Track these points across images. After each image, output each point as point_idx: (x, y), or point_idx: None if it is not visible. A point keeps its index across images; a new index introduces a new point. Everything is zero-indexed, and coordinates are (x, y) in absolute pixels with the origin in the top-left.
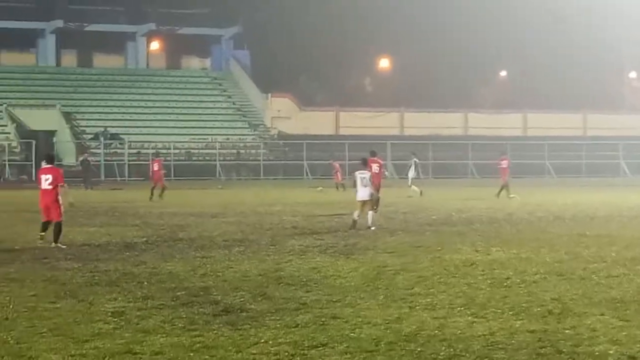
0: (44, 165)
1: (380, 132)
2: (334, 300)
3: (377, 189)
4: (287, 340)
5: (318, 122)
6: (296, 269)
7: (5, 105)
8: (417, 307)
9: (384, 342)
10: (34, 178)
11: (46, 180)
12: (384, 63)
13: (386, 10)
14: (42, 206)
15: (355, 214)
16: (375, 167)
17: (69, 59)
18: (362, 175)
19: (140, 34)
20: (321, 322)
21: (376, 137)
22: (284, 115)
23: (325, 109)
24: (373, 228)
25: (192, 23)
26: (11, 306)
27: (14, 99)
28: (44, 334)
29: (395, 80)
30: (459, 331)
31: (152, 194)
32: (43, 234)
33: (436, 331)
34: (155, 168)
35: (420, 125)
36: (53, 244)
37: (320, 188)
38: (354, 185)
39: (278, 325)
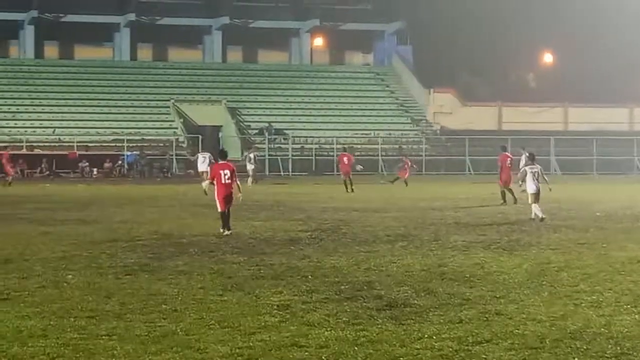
0: (220, 160)
1: (544, 128)
2: (498, 296)
3: (506, 183)
4: (451, 336)
5: (480, 117)
6: (459, 265)
7: (172, 100)
8: (583, 305)
9: (549, 339)
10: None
11: (225, 175)
12: (548, 58)
13: (549, 5)
14: (221, 197)
15: (537, 210)
16: (508, 162)
17: (235, 54)
18: (532, 169)
19: (304, 30)
20: (485, 318)
21: (539, 132)
22: (446, 110)
23: (487, 104)
24: (543, 216)
25: (356, 19)
26: (180, 298)
27: (181, 94)
28: (211, 326)
29: (558, 75)
30: (626, 329)
31: (347, 188)
32: (225, 231)
33: (602, 329)
34: (345, 161)
35: (585, 120)
36: (222, 231)
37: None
38: (523, 180)
39: (442, 321)
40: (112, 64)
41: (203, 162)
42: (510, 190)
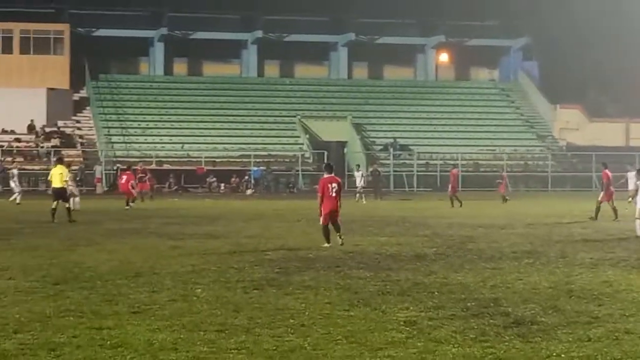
0: (326, 175)
1: None
2: (627, 314)
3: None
4: (580, 355)
5: (607, 133)
6: (587, 282)
7: (298, 116)
8: None
9: None
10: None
11: (333, 189)
12: None
13: None
14: (328, 211)
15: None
16: (609, 179)
17: (360, 70)
18: None
19: (429, 46)
20: (614, 337)
21: None
22: (573, 126)
23: (615, 120)
24: None
25: (481, 34)
26: (307, 313)
27: (307, 110)
28: (339, 341)
29: None
30: None
31: (453, 203)
32: (326, 244)
33: None
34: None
35: None
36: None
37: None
38: (635, 195)
39: (570, 339)
40: (239, 81)
41: None
42: (614, 208)
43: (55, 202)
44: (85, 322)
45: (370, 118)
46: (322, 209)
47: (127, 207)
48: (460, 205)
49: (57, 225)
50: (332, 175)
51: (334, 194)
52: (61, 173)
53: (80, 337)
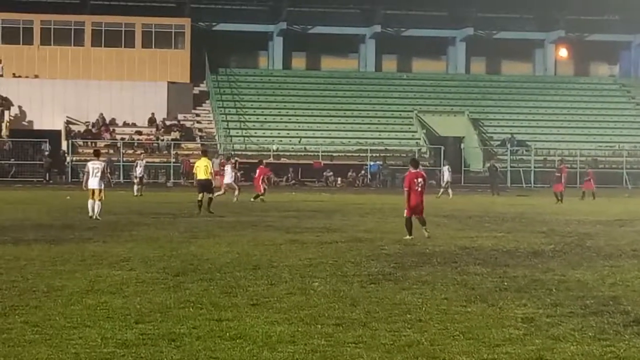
0: (412, 170)
1: None
2: None
3: None
4: None
5: None
6: None
7: (415, 111)
8: None
9: None
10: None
11: (418, 184)
12: None
13: None
14: (412, 205)
15: None
16: None
17: (478, 66)
18: None
19: (549, 41)
20: None
21: None
22: None
23: None
24: None
25: (602, 29)
26: (424, 308)
27: (424, 105)
28: (456, 337)
29: None
30: None
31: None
32: (408, 236)
33: None
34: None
35: None
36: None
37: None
38: None
39: None
40: (357, 75)
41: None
42: None
43: (200, 194)
44: (205, 314)
45: (488, 113)
46: (407, 203)
47: (252, 200)
48: (561, 202)
49: (182, 217)
50: (418, 170)
51: (419, 189)
52: (206, 165)
53: (200, 328)
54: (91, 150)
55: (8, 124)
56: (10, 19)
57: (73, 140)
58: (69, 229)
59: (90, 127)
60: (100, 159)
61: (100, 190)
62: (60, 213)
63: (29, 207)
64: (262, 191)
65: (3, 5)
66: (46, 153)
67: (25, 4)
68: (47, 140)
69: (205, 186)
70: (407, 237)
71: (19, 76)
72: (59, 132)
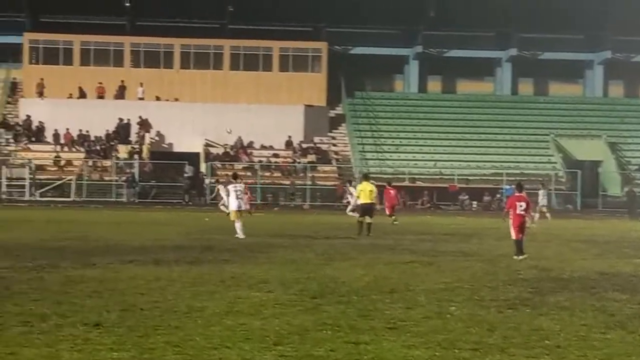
0: (516, 193)
1: None
2: None
3: None
4: None
5: None
6: None
7: (552, 135)
8: None
9: None
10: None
11: (520, 206)
12: None
13: None
14: (516, 226)
15: None
16: None
17: (616, 89)
18: None
19: None
20: None
21: None
22: None
23: None
24: None
25: None
26: (562, 334)
27: (561, 129)
28: None
29: None
30: None
31: None
32: (520, 257)
33: None
34: None
35: None
36: (517, 257)
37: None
38: None
39: None
40: (493, 99)
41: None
42: None
43: (362, 217)
44: (342, 336)
45: (626, 137)
46: (512, 225)
47: (395, 222)
48: None
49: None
50: (522, 194)
51: (521, 212)
52: (371, 190)
53: (338, 351)
54: (229, 173)
55: (149, 146)
56: (152, 43)
57: (212, 163)
58: (208, 251)
59: (228, 150)
60: (237, 181)
61: (243, 212)
62: (199, 234)
63: (169, 229)
64: (389, 212)
65: (145, 29)
66: (188, 175)
67: (165, 28)
68: (187, 162)
69: (369, 210)
70: (520, 257)
71: (160, 99)
72: (197, 154)
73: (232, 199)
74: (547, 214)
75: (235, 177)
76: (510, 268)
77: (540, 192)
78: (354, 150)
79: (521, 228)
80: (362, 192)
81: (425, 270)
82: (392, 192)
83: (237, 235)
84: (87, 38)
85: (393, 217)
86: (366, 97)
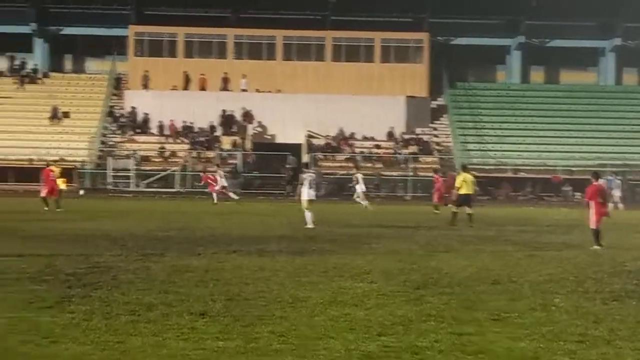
0: (595, 182)
1: None
2: None
3: None
4: None
5: None
6: None
7: None
8: None
9: None
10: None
11: (600, 196)
12: None
13: None
14: (599, 217)
15: None
16: None
17: (630, 78)
18: None
19: None
20: None
21: None
22: None
23: None
24: None
25: None
26: None
27: None
28: None
29: None
30: None
31: None
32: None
33: None
34: None
35: None
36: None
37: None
38: None
39: None
40: (596, 89)
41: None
42: None
43: (458, 207)
44: (446, 327)
45: None
46: (593, 215)
47: (437, 212)
48: None
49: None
50: (600, 183)
51: (602, 201)
52: (473, 181)
53: (442, 342)
54: (332, 164)
55: (251, 137)
56: (255, 35)
57: (314, 154)
58: (311, 241)
59: (330, 141)
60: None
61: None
62: (301, 225)
63: (272, 219)
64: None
65: (248, 22)
66: (290, 166)
67: (268, 20)
68: (290, 153)
69: (467, 200)
70: (597, 247)
71: (262, 91)
72: (299, 145)
73: (305, 188)
74: (620, 205)
75: (307, 166)
76: (615, 260)
77: (616, 182)
78: (456, 141)
79: (601, 218)
80: (465, 183)
81: (528, 261)
82: (441, 180)
83: (307, 226)
84: (191, 30)
85: (437, 206)
86: (468, 88)
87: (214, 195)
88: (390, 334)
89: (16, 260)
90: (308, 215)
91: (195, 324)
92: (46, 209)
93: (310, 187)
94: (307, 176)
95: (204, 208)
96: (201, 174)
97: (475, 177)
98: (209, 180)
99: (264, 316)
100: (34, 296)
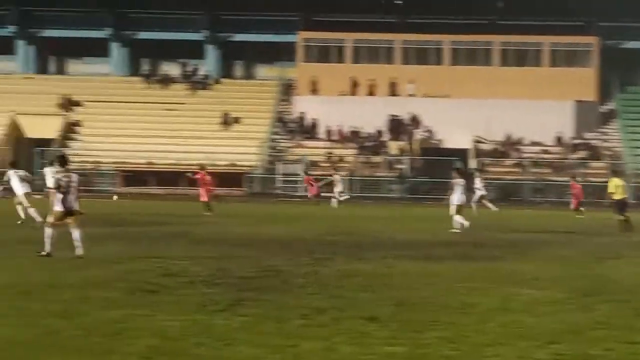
0: None
1: None
2: None
3: None
4: None
5: None
6: None
7: None
8: None
9: None
10: None
11: None
12: None
13: None
14: None
15: None
16: None
17: None
18: None
19: None
20: None
21: None
22: None
23: None
24: None
25: None
26: None
27: None
28: None
29: None
30: None
31: None
32: None
33: None
34: None
35: None
36: None
37: None
38: None
39: None
40: None
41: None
42: None
43: (621, 214)
44: (618, 336)
45: None
46: None
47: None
48: None
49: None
50: None
51: None
52: (624, 185)
53: (615, 350)
54: (499, 169)
55: (418, 142)
56: (422, 40)
57: (481, 159)
58: (478, 247)
59: (497, 146)
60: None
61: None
62: (469, 230)
63: (439, 224)
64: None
65: (415, 26)
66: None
67: (435, 25)
68: (458, 158)
69: (622, 206)
70: None
71: (429, 96)
72: (466, 150)
73: (456, 193)
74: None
75: (459, 171)
76: None
77: None
78: (626, 146)
79: None
80: (618, 188)
81: None
82: (578, 187)
83: (454, 230)
84: (359, 36)
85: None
86: (638, 92)
87: (334, 200)
88: (561, 342)
89: (189, 264)
90: (457, 219)
91: (365, 329)
92: (209, 213)
93: (462, 193)
94: (458, 182)
95: (372, 213)
96: (304, 175)
97: None
98: (311, 183)
99: (433, 322)
100: (207, 299)
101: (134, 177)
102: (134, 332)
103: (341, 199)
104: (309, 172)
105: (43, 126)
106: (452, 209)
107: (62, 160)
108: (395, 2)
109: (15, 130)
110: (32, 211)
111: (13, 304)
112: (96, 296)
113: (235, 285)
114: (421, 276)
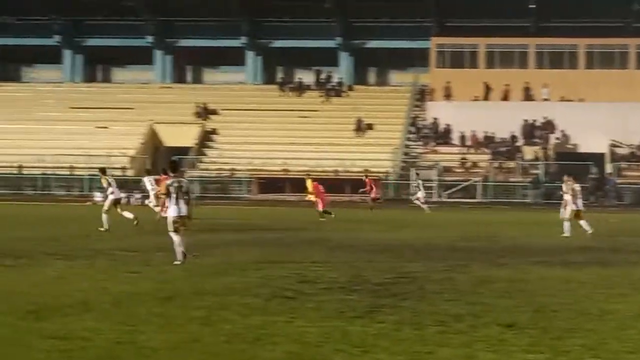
0: None
1: None
2: None
3: None
4: None
5: None
6: None
7: None
8: None
9: None
10: None
11: None
12: None
13: None
14: None
15: None
16: None
17: None
18: None
19: None
20: None
21: None
22: None
23: None
24: None
25: None
26: None
27: None
28: None
29: None
30: None
31: None
32: None
33: None
34: None
35: None
36: None
37: None
38: None
39: None
40: None
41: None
42: None
43: None
44: None
45: None
46: None
47: None
48: None
49: None
50: None
51: None
52: None
53: None
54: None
55: (553, 147)
56: (556, 44)
57: (617, 164)
58: (616, 252)
59: (634, 150)
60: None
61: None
62: (605, 236)
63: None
64: None
65: (549, 30)
66: (594, 176)
67: (569, 28)
68: (593, 163)
69: None
70: None
71: (564, 100)
72: (602, 155)
73: (569, 198)
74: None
75: (570, 174)
76: None
77: None
78: None
79: None
80: None
81: None
82: None
83: (564, 235)
84: (492, 41)
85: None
86: None
87: (424, 207)
88: None
89: (325, 270)
90: (567, 225)
91: (504, 336)
92: (332, 215)
93: (577, 198)
94: (570, 186)
95: (506, 218)
96: (365, 178)
97: None
98: (372, 185)
99: (573, 329)
100: (345, 305)
101: (268, 184)
102: (273, 339)
103: (419, 203)
104: (369, 175)
105: (180, 134)
106: (567, 214)
107: (174, 166)
108: (529, 6)
109: (153, 138)
110: (126, 213)
111: (155, 311)
112: (236, 302)
113: (371, 291)
114: (558, 282)
